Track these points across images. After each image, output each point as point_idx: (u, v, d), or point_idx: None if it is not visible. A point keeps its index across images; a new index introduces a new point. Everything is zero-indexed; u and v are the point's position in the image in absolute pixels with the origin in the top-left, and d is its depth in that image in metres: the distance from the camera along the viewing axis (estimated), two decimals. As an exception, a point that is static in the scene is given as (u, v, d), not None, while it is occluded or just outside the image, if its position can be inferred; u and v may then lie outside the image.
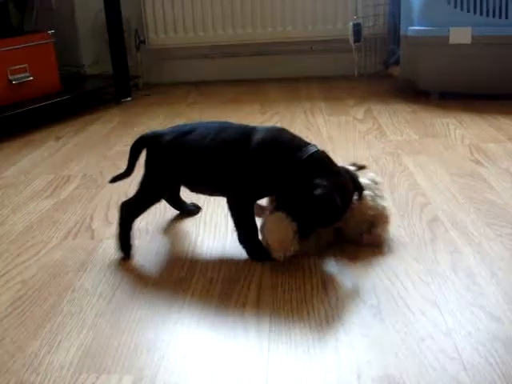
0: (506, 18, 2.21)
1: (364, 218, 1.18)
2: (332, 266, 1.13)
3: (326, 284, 1.06)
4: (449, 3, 2.22)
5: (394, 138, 1.91)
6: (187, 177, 1.20)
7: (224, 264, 1.16)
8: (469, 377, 0.81)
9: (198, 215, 1.40)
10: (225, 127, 1.18)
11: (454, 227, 1.24)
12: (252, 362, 0.86)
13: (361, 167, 1.26)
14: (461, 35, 2.22)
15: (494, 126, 1.97)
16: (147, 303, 1.03)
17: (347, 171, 1.15)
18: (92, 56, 2.99)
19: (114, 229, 1.30)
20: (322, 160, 1.11)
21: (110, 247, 1.25)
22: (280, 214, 1.12)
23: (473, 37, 2.21)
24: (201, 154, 1.16)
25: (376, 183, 1.23)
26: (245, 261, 1.16)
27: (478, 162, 1.64)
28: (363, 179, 1.20)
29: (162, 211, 1.41)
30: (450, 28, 2.22)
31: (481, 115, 2.10)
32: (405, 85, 2.51)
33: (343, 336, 0.91)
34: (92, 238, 1.31)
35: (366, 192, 1.18)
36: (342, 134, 1.97)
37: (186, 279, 1.11)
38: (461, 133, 1.92)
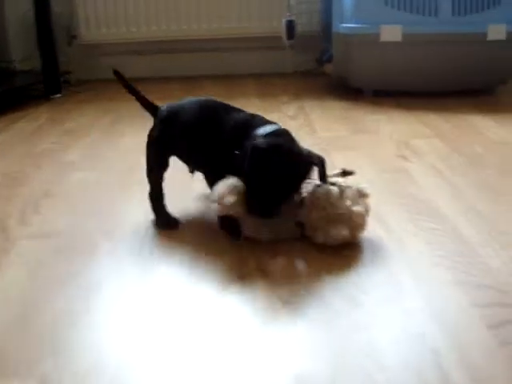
0: (436, 16, 2.24)
1: (319, 214, 1.13)
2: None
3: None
4: (380, 1, 2.24)
5: (324, 134, 1.91)
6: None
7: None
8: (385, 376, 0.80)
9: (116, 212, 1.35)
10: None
11: (376, 221, 1.24)
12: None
13: (347, 173, 1.22)
14: (391, 33, 2.23)
15: (422, 122, 1.99)
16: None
17: (312, 153, 1.14)
18: (23, 51, 2.88)
19: (30, 229, 1.25)
20: (279, 136, 1.13)
21: (25, 248, 1.19)
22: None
23: (403, 35, 2.23)
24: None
25: (362, 194, 1.16)
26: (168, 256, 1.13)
27: (404, 158, 1.65)
28: (339, 179, 1.18)
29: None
30: (381, 26, 2.23)
31: (411, 112, 2.12)
32: (338, 82, 2.52)
33: (261, 335, 0.89)
34: (7, 239, 1.25)
35: (333, 188, 1.14)
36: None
37: (104, 280, 1.06)
38: (390, 129, 1.94)
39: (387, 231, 1.20)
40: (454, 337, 0.87)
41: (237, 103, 2.35)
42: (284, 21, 2.58)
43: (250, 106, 2.28)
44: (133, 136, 1.94)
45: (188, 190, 1.45)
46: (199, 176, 1.32)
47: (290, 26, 2.57)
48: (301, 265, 1.09)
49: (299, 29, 2.65)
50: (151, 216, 1.29)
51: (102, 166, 1.69)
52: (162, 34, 2.82)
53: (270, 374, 0.80)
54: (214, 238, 1.20)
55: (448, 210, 1.29)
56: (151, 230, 1.25)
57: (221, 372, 0.81)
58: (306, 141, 1.81)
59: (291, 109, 2.24)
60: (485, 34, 2.23)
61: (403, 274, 1.04)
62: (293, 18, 2.60)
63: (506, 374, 0.79)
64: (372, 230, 1.19)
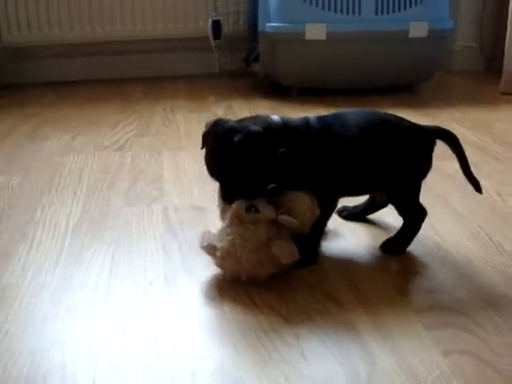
0: (360, 14, 2.27)
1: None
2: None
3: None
4: (304, 0, 2.25)
5: (252, 132, 1.90)
6: None
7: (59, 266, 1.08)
8: (308, 365, 0.79)
9: (37, 215, 1.30)
10: None
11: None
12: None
13: None
14: (316, 31, 2.25)
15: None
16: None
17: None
18: None
19: None
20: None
21: None
22: None
23: (328, 33, 2.25)
24: None
25: None
26: (82, 263, 1.08)
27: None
28: None
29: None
30: (306, 24, 2.25)
31: (337, 108, 2.11)
32: (266, 81, 2.52)
33: (179, 331, 0.87)
34: None
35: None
36: (200, 130, 1.92)
37: (15, 285, 1.02)
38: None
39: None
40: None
41: (163, 105, 2.36)
42: (210, 21, 2.56)
43: (176, 106, 2.27)
44: (57, 140, 1.88)
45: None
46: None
47: (216, 26, 2.55)
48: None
49: (226, 29, 2.64)
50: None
51: (24, 169, 1.62)
52: (89, 36, 2.75)
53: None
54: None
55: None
56: (71, 233, 1.21)
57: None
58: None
59: (220, 109, 2.22)
60: (407, 32, 2.27)
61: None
62: (219, 18, 2.58)
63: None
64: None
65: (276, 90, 2.42)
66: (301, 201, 1.01)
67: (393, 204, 1.11)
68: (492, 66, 2.81)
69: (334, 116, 1.09)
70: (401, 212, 1.10)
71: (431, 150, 1.10)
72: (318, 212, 1.02)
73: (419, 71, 2.41)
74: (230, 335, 0.86)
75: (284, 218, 0.99)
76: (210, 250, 0.98)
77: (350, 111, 1.10)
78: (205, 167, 1.04)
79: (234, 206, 1.00)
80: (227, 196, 1.02)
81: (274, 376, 0.77)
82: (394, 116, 1.10)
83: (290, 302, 0.94)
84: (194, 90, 2.56)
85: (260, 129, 0.98)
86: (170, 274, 1.04)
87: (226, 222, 1.01)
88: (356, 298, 0.95)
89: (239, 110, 2.18)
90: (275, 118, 1.03)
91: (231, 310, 0.92)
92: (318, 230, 1.06)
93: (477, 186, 1.12)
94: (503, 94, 2.42)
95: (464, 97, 2.38)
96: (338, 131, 1.04)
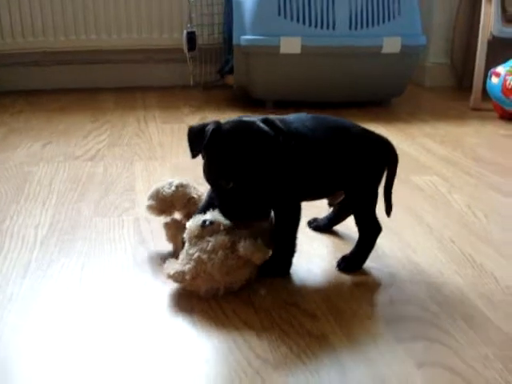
0: (334, 29, 2.29)
1: None
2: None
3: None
4: (279, 14, 2.26)
5: (225, 144, 1.89)
6: None
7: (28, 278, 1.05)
8: (280, 377, 0.78)
9: (5, 226, 1.27)
10: None
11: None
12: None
13: None
14: (291, 45, 2.26)
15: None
16: None
17: None
18: None
19: None
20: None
21: None
22: None
23: (302, 47, 2.26)
24: None
25: None
26: (50, 276, 1.06)
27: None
28: None
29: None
30: (281, 38, 2.26)
31: (311, 122, 2.14)
32: (240, 94, 2.52)
33: (148, 343, 0.85)
34: None
35: None
36: (174, 141, 1.92)
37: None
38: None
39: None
40: (350, 337, 0.86)
41: (136, 115, 2.34)
42: (185, 32, 2.55)
43: (149, 117, 2.26)
44: (27, 148, 1.85)
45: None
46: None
47: (191, 37, 2.55)
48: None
49: (201, 41, 2.64)
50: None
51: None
52: (60, 44, 2.72)
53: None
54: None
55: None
56: (40, 244, 1.18)
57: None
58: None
59: (194, 120, 2.21)
60: (380, 47, 2.30)
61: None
62: (193, 29, 2.58)
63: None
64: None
65: (250, 102, 2.42)
66: None
67: (352, 210, 1.12)
68: (463, 83, 2.85)
69: (294, 118, 1.06)
70: (358, 221, 1.09)
71: (382, 157, 1.08)
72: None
73: (392, 86, 2.44)
74: (202, 348, 0.85)
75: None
76: (179, 276, 0.96)
77: (304, 115, 1.08)
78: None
79: (187, 226, 0.99)
80: (248, 209, 0.94)
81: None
82: (346, 120, 1.10)
83: (263, 316, 0.93)
84: (167, 101, 2.55)
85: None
86: (141, 286, 1.02)
87: (186, 245, 1.00)
88: (330, 311, 0.94)
89: (213, 122, 2.17)
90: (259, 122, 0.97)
91: (202, 322, 0.91)
92: (289, 239, 1.05)
93: (388, 209, 1.11)
94: (473, 109, 2.46)
95: (435, 112, 2.41)
96: (303, 133, 1.02)
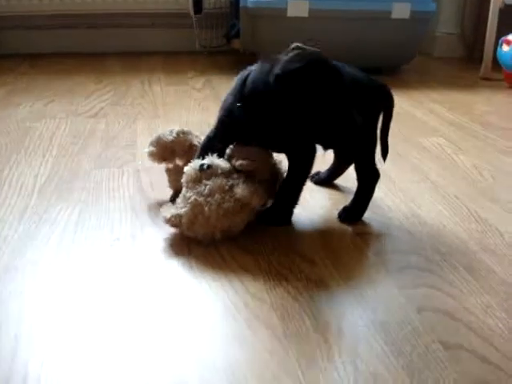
0: (342, -8, 2.24)
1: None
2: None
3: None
4: (287, -23, 2.22)
5: (229, 105, 1.87)
6: None
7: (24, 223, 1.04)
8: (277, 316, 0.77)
9: (4, 175, 1.25)
10: None
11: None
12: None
13: None
14: (298, 8, 2.22)
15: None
16: None
17: None
18: None
19: None
20: None
21: None
22: None
23: (310, 10, 2.21)
24: None
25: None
26: (46, 220, 1.04)
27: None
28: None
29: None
30: (288, 1, 2.21)
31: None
32: (246, 58, 2.48)
33: (143, 285, 0.84)
34: None
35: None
36: (178, 101, 1.89)
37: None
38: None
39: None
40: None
41: (140, 78, 2.31)
42: (191, -5, 2.52)
43: (153, 79, 2.23)
44: (29, 106, 1.83)
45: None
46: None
47: (197, 0, 2.50)
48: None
49: (207, 5, 2.60)
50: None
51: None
52: (63, 7, 2.68)
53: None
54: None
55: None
56: (37, 192, 1.17)
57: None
58: (211, 110, 1.77)
59: (198, 83, 2.18)
60: (389, 13, 2.25)
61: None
62: (200, -8, 2.54)
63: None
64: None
65: (256, 67, 2.38)
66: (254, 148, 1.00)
67: (351, 157, 1.10)
68: (473, 53, 2.79)
69: None
70: (357, 169, 1.06)
71: (376, 100, 1.06)
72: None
73: (401, 52, 2.39)
74: (198, 290, 0.83)
75: (239, 163, 0.96)
76: (175, 220, 0.94)
77: None
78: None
79: (185, 170, 0.97)
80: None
81: (241, 330, 0.74)
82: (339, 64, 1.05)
83: (262, 261, 0.91)
84: (172, 66, 2.51)
85: None
86: (138, 230, 1.00)
87: (183, 189, 0.97)
88: (329, 258, 0.93)
89: (218, 84, 2.15)
90: None
91: (199, 266, 0.89)
92: (296, 187, 1.03)
93: (384, 153, 1.09)
94: (483, 79, 2.41)
95: (445, 81, 2.37)
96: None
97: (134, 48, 2.80)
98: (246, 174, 0.97)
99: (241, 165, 0.96)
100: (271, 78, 0.91)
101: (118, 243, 0.96)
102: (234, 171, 0.97)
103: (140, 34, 2.80)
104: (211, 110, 1.78)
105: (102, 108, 1.81)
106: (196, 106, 1.83)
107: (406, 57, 2.42)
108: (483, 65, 2.43)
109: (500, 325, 0.78)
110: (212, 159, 0.97)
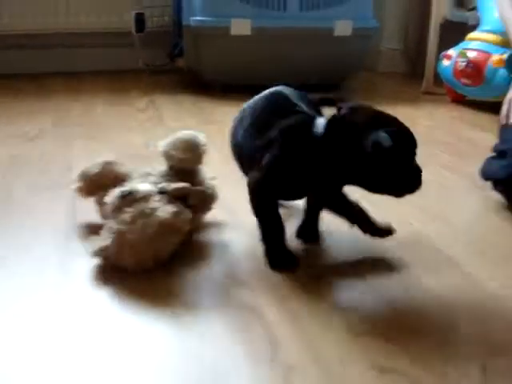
0: (285, 10, 2.25)
1: None
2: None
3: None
4: (230, -5, 2.21)
5: (172, 124, 1.84)
6: None
7: None
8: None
9: None
10: None
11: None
12: None
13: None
14: (241, 26, 2.21)
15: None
16: None
17: None
18: None
19: None
20: None
21: None
22: None
23: (253, 28, 2.21)
24: None
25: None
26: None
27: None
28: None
29: None
30: (231, 19, 2.21)
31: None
32: (190, 76, 2.47)
33: (70, 314, 0.80)
34: None
35: None
36: (119, 122, 1.86)
37: None
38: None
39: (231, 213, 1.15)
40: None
41: (83, 98, 2.26)
42: (133, 13, 2.48)
43: (95, 100, 2.18)
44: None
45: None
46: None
47: (140, 18, 2.48)
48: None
49: (151, 23, 2.57)
50: None
51: None
52: (5, 27, 2.61)
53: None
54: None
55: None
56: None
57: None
58: (154, 131, 1.74)
59: (141, 103, 2.15)
60: (332, 30, 2.27)
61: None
62: (142, 10, 2.51)
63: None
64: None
65: (200, 85, 2.37)
66: None
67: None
68: (416, 68, 2.84)
69: None
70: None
71: None
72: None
73: (344, 69, 2.41)
74: (126, 321, 0.80)
75: (172, 187, 0.94)
76: (102, 252, 0.91)
77: None
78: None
79: (106, 200, 0.94)
80: None
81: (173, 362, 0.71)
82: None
83: (191, 287, 0.88)
84: (115, 85, 2.47)
85: None
86: (69, 259, 0.96)
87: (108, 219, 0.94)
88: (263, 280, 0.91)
89: (161, 105, 2.12)
90: None
91: (127, 296, 0.86)
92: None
93: None
94: (425, 93, 2.45)
95: (388, 96, 2.39)
96: None
97: (76, 68, 2.74)
98: (177, 198, 0.94)
99: (174, 189, 0.94)
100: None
101: (47, 272, 0.92)
102: (156, 194, 0.94)
103: (81, 53, 2.75)
104: (153, 131, 1.75)
105: (40, 130, 1.76)
106: (138, 127, 1.80)
107: (349, 73, 2.44)
108: (425, 79, 2.47)
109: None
110: (132, 185, 0.95)
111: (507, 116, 1.25)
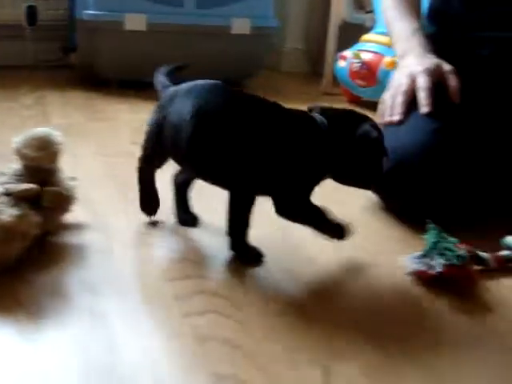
0: (182, 7, 2.21)
1: None
2: None
3: None
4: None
5: (57, 121, 1.76)
6: None
7: None
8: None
9: None
10: None
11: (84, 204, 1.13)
12: None
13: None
14: (136, 22, 2.16)
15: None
16: None
17: None
18: None
19: None
20: None
21: None
22: None
23: (148, 24, 2.16)
24: None
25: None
26: None
27: (135, 143, 1.57)
28: None
29: None
30: (125, 14, 2.15)
31: (154, 102, 2.04)
32: (84, 72, 2.38)
33: None
34: None
35: None
36: (2, 120, 1.76)
37: None
38: (130, 117, 1.86)
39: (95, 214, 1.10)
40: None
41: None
42: (24, 6, 2.37)
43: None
44: None
45: None
46: None
47: (31, 11, 2.37)
48: None
49: (44, 16, 2.47)
50: None
51: None
52: None
53: None
54: None
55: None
56: None
57: None
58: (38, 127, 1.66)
59: (29, 99, 2.05)
60: (229, 28, 2.25)
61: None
62: (34, 3, 2.40)
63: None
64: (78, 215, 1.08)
65: (94, 81, 2.29)
66: None
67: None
68: (318, 69, 2.87)
69: None
70: None
71: None
72: None
73: (244, 68, 2.40)
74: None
75: (18, 189, 0.89)
76: None
77: None
78: None
79: None
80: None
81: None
82: None
83: (39, 294, 0.83)
84: (3, 81, 2.35)
85: None
86: None
87: None
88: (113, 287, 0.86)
89: (51, 101, 2.03)
90: None
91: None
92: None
93: None
94: (325, 94, 2.47)
95: (290, 96, 2.39)
96: None
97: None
98: (27, 199, 0.89)
99: (20, 191, 0.88)
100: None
101: None
102: (1, 196, 0.88)
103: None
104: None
105: None
106: (20, 125, 1.71)
107: (249, 72, 2.43)
108: (324, 80, 2.49)
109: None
110: None
111: (382, 115, 1.26)
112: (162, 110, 0.99)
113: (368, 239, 1.09)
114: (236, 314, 0.81)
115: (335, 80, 2.46)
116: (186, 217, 1.08)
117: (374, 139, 0.92)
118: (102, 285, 0.86)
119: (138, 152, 1.11)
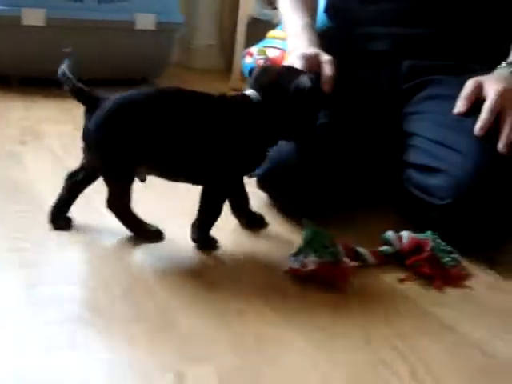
0: (82, 1, 2.15)
1: None
2: None
3: None
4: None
5: None
6: None
7: None
8: None
9: None
10: None
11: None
12: None
13: None
14: (34, 16, 2.09)
15: (61, 109, 1.87)
16: None
17: None
18: None
19: None
20: None
21: None
22: None
23: (47, 19, 2.09)
24: None
25: None
26: None
27: (23, 142, 1.53)
28: None
29: None
30: (23, 8, 2.07)
31: (54, 99, 1.97)
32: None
33: None
34: None
35: None
36: None
37: None
38: (19, 115, 1.81)
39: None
40: None
41: None
42: None
43: None
44: None
45: None
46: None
47: None
48: None
49: None
50: None
51: None
52: None
53: None
54: None
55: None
56: None
57: None
58: None
59: None
60: (133, 23, 2.21)
61: None
62: None
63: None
64: None
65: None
66: None
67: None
68: (229, 65, 2.86)
69: None
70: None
71: None
72: None
73: (149, 64, 2.35)
74: None
75: None
76: None
77: None
78: None
79: None
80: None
81: None
82: None
83: None
84: None
85: None
86: None
87: None
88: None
89: None
90: None
91: None
92: None
93: None
94: (233, 90, 2.46)
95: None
96: None
97: None
98: None
99: None
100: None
101: None
102: None
103: None
104: None
105: None
106: None
107: (155, 68, 2.39)
108: (232, 76, 2.49)
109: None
110: None
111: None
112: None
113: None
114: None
115: (244, 76, 2.46)
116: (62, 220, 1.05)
117: (307, 89, 0.98)
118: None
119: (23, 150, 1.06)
